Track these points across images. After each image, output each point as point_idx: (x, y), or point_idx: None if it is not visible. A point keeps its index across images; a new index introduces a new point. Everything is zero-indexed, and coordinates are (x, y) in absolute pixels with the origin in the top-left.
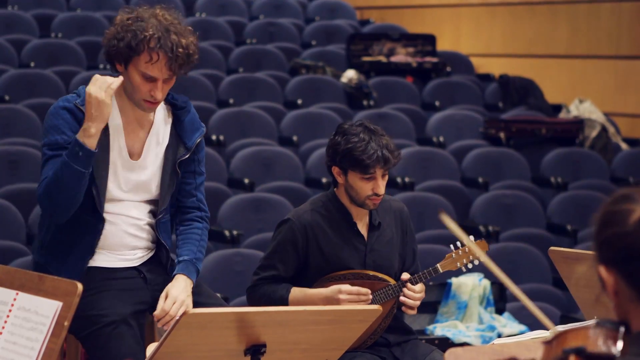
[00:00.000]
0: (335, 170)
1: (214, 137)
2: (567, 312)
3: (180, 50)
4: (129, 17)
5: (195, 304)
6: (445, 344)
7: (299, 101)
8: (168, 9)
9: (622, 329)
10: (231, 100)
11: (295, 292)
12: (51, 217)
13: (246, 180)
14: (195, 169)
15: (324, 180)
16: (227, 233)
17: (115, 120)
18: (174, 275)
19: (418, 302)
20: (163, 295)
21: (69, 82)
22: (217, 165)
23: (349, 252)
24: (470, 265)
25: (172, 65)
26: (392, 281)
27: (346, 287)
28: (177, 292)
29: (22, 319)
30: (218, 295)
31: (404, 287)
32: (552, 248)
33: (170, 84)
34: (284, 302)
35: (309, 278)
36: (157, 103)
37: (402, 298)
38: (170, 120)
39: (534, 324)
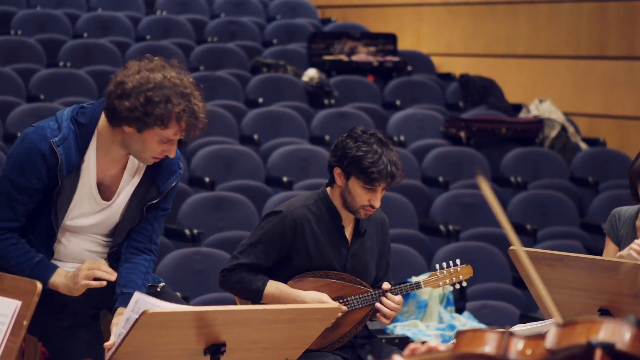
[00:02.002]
0: (337, 171)
1: None
2: (526, 311)
3: (202, 115)
4: (147, 87)
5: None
6: (405, 343)
7: (260, 100)
8: (170, 64)
9: None
10: None
11: (272, 287)
12: None
13: (207, 179)
14: (159, 205)
15: (284, 179)
16: (187, 232)
17: (90, 159)
18: (116, 308)
19: (395, 313)
20: (114, 330)
21: (29, 80)
22: None
23: (332, 254)
24: (450, 288)
25: (192, 131)
26: (371, 289)
27: (327, 298)
28: None
29: None
30: (178, 294)
31: (384, 296)
32: (512, 247)
33: None
34: (259, 294)
35: (288, 271)
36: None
37: (378, 305)
38: None
39: (493, 323)
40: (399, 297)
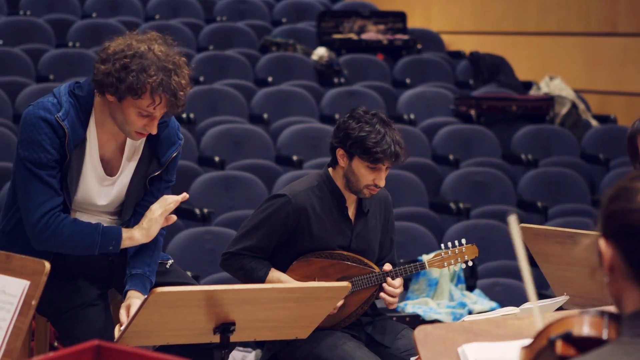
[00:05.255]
0: (340, 152)
1: (184, 115)
2: (537, 288)
3: (182, 93)
4: (126, 53)
5: (165, 284)
6: (416, 321)
7: (270, 79)
8: (165, 40)
9: (606, 316)
10: (201, 78)
11: (273, 277)
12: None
13: (217, 158)
14: (162, 177)
15: (294, 157)
16: (197, 211)
17: (91, 133)
18: (127, 291)
19: (396, 299)
20: (123, 312)
21: (38, 60)
22: (188, 143)
23: (337, 235)
24: (457, 268)
25: (171, 107)
26: (376, 269)
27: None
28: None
29: None
30: (188, 273)
31: (386, 278)
32: (522, 225)
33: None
34: (261, 283)
35: (292, 253)
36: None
37: (383, 295)
38: None
39: (504, 301)
40: (398, 281)
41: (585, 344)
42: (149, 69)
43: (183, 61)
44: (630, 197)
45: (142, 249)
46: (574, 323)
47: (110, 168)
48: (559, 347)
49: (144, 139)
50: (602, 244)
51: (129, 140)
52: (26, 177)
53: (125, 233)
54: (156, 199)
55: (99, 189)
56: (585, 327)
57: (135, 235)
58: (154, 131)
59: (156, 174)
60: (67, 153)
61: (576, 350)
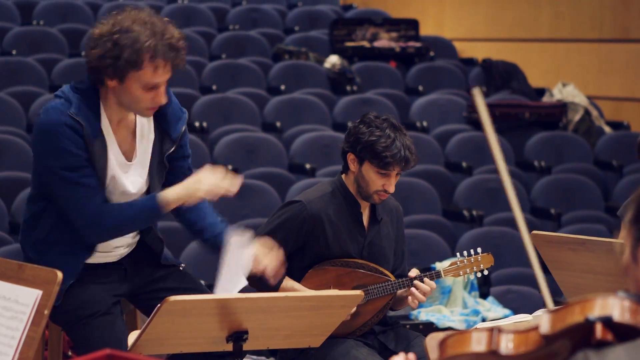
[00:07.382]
0: (351, 157)
1: (197, 124)
2: (551, 295)
3: (181, 43)
4: (113, 31)
5: (177, 291)
6: (429, 328)
7: (282, 87)
8: (139, 8)
9: None
10: (214, 87)
11: (287, 285)
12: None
13: (230, 167)
14: (183, 154)
15: (307, 166)
16: None
17: (104, 122)
18: (225, 237)
19: (425, 299)
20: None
21: (51, 69)
22: (201, 151)
23: (350, 241)
24: (472, 276)
25: (173, 64)
26: (392, 278)
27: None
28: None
29: (2, 307)
30: (202, 282)
31: (412, 284)
32: (534, 232)
33: (166, 82)
34: (275, 291)
35: (306, 260)
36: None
37: (413, 290)
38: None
39: (517, 308)
40: (433, 282)
41: (621, 329)
42: (141, 37)
43: (167, 20)
44: None
45: (201, 212)
46: (614, 306)
47: (128, 154)
48: (599, 331)
49: (151, 118)
50: None
51: (138, 123)
52: (63, 184)
53: (165, 193)
54: (185, 175)
55: (124, 176)
56: (627, 314)
57: (175, 193)
58: (164, 101)
59: (171, 150)
60: (88, 146)
61: (613, 335)
